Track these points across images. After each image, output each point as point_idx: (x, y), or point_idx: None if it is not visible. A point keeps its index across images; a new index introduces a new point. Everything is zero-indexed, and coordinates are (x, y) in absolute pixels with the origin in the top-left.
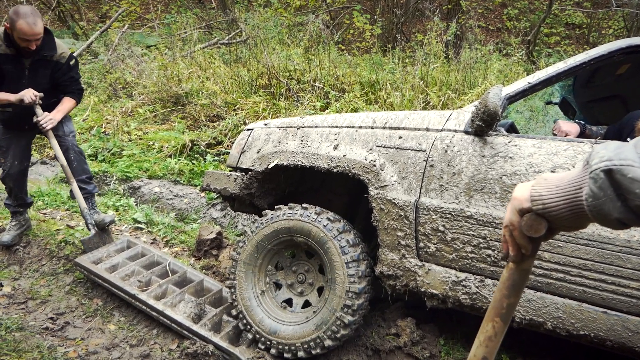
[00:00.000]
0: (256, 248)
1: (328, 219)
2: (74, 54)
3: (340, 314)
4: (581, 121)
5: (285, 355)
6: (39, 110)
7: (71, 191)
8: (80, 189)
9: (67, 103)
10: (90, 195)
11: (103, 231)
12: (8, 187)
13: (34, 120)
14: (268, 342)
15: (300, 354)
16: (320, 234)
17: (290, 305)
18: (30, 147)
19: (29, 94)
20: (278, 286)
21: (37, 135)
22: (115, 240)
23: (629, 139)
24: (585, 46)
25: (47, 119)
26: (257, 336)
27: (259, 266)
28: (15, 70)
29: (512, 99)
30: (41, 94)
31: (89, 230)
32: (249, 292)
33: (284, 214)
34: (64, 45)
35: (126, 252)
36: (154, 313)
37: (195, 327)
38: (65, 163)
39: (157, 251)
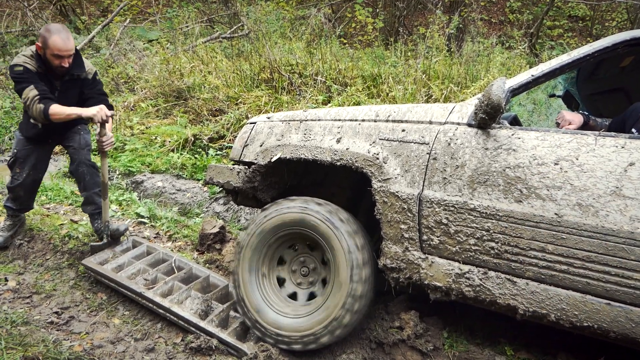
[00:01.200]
0: (251, 256)
1: (303, 200)
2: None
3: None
4: (585, 112)
5: (326, 338)
6: (104, 129)
7: (85, 200)
8: (91, 202)
9: (110, 123)
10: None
11: (114, 240)
12: (17, 195)
13: (97, 138)
14: (302, 340)
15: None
16: (299, 216)
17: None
18: (49, 158)
19: (100, 114)
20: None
21: None
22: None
23: (633, 130)
24: (589, 39)
25: (111, 141)
26: (286, 340)
27: (263, 278)
28: None
29: (515, 91)
30: (113, 112)
31: (101, 239)
32: (266, 311)
33: (265, 216)
34: (88, 62)
35: (132, 251)
36: (160, 310)
37: (202, 324)
38: (107, 181)
39: (163, 249)
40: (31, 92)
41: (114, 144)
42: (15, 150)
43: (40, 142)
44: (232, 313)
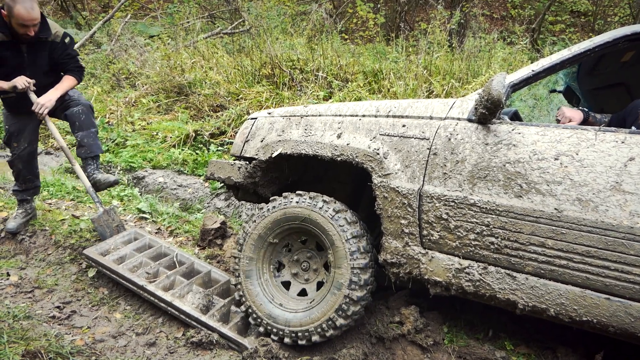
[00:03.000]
0: (252, 252)
1: (297, 194)
2: (70, 34)
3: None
4: (585, 108)
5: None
6: (33, 96)
7: (80, 142)
8: (86, 144)
9: (67, 81)
10: (95, 157)
11: (111, 210)
12: (17, 170)
13: (32, 108)
14: (306, 332)
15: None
16: (294, 210)
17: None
18: (38, 129)
19: (21, 81)
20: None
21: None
22: (121, 221)
23: (633, 127)
24: (591, 34)
25: (40, 105)
26: (296, 336)
27: (268, 282)
28: (15, 57)
29: (516, 86)
30: (33, 80)
31: (98, 208)
32: (276, 313)
33: (260, 214)
34: (55, 25)
35: (133, 243)
36: (162, 304)
37: (203, 318)
38: (64, 145)
39: (164, 243)
40: None
41: (49, 107)
42: (7, 127)
43: (23, 112)
44: (233, 308)
